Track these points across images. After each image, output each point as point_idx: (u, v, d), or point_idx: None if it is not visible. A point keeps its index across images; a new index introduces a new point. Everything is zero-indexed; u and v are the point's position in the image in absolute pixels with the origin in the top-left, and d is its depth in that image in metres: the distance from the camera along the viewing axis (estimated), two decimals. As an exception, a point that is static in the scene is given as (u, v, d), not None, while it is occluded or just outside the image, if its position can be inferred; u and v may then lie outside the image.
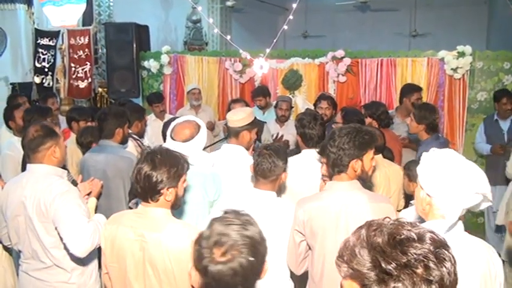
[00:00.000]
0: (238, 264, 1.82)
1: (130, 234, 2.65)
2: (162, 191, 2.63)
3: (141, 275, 2.64)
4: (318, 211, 2.87)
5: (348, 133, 2.92)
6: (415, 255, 1.27)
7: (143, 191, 2.64)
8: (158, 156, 2.66)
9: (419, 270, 1.25)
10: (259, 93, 7.13)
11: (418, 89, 6.35)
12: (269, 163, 3.10)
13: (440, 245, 1.33)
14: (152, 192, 2.62)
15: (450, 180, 2.16)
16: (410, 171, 3.81)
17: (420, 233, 1.34)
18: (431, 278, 1.25)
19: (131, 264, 2.64)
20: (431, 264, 1.27)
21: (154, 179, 2.60)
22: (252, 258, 1.84)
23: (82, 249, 2.95)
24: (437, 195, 2.20)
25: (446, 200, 2.18)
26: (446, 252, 1.32)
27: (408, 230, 1.34)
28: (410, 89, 6.33)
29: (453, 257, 1.33)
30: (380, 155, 4.12)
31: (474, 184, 2.17)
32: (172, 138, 3.46)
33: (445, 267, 1.28)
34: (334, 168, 2.96)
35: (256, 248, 1.88)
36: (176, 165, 2.69)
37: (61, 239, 3.02)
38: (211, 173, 3.54)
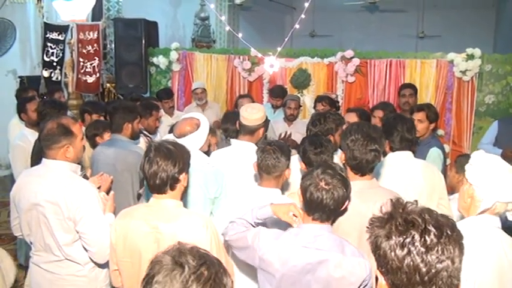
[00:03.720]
0: None
1: (143, 227, 2.67)
2: (180, 178, 2.71)
3: None
4: (349, 212, 2.83)
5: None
6: None
7: (162, 182, 2.67)
8: (170, 146, 2.73)
9: None
10: (280, 94, 7.03)
11: (409, 85, 6.51)
12: (273, 159, 3.08)
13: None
14: (172, 181, 2.69)
15: (495, 172, 2.31)
16: (459, 164, 3.85)
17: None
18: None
19: (146, 257, 2.65)
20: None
21: (174, 168, 2.67)
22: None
23: (104, 254, 2.99)
24: (480, 185, 2.33)
25: (487, 190, 2.31)
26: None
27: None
28: (401, 87, 6.52)
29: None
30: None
31: None
32: (172, 132, 3.58)
33: None
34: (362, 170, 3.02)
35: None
36: (187, 151, 2.81)
37: (82, 239, 3.04)
38: (212, 170, 3.55)
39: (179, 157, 2.71)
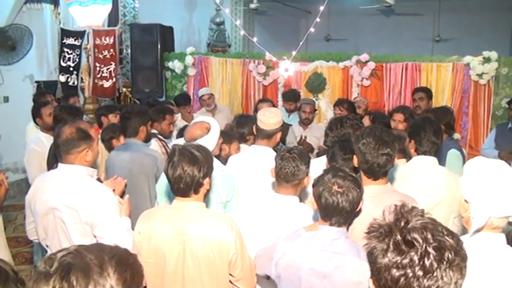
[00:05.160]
0: None
1: (168, 229, 2.70)
2: (204, 182, 2.73)
3: (180, 269, 2.69)
4: (362, 216, 2.78)
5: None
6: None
7: (187, 187, 2.70)
8: (194, 151, 2.74)
9: None
10: (292, 99, 6.99)
11: (420, 88, 6.53)
12: (293, 167, 3.00)
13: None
14: (196, 185, 2.71)
15: (486, 185, 2.13)
16: None
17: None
18: None
19: (170, 258, 2.69)
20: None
21: (199, 173, 2.69)
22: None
23: None
24: (474, 201, 2.17)
25: (478, 206, 2.14)
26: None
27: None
28: (413, 91, 6.53)
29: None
30: (404, 160, 4.08)
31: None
32: (182, 136, 3.59)
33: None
34: (374, 174, 3.00)
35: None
36: (210, 155, 2.84)
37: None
38: (223, 174, 3.54)
39: (204, 162, 2.72)
